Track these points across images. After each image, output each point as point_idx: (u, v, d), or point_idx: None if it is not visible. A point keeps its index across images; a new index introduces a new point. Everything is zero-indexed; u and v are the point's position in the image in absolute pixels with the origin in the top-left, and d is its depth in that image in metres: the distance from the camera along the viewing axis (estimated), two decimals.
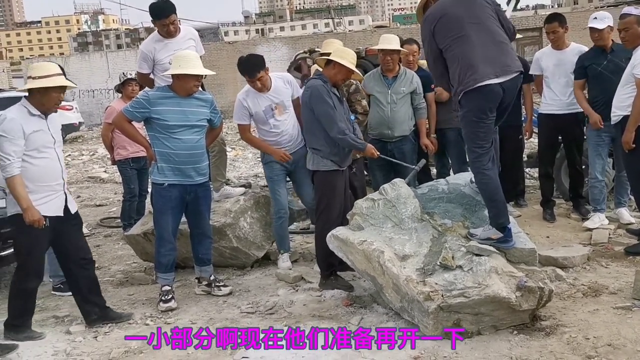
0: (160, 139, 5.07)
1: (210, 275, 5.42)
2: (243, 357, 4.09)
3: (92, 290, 4.94)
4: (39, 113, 4.62)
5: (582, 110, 6.69)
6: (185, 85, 5.05)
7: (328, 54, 5.65)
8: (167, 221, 5.15)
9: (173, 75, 5.09)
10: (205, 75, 5.28)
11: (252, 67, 5.59)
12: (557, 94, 6.64)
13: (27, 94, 4.68)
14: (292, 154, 5.74)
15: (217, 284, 5.39)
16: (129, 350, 4.38)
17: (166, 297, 5.11)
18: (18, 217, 4.57)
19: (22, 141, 4.48)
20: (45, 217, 4.58)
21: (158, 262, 5.22)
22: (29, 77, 4.67)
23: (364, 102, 6.29)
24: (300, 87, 9.55)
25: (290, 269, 5.73)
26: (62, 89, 4.70)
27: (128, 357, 4.29)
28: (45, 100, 4.62)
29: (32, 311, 4.79)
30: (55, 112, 4.76)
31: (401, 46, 6.40)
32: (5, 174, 4.50)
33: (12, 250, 6.03)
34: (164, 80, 5.59)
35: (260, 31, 78.54)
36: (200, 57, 5.44)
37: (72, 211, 4.82)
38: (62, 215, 4.72)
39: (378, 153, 5.38)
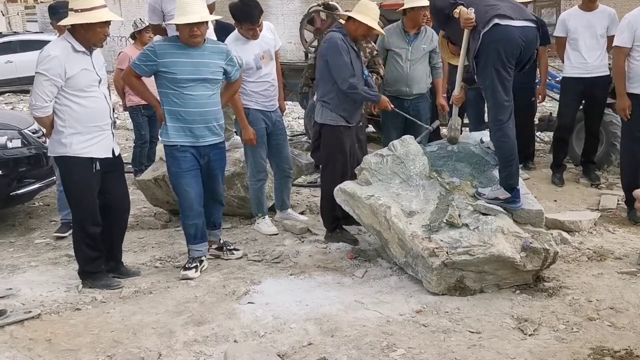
0: (170, 96, 4.57)
1: (220, 239, 5.14)
2: (249, 302, 4.17)
3: (118, 242, 4.74)
4: (83, 49, 4.30)
5: (608, 73, 6.53)
6: (182, 34, 4.52)
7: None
8: (188, 184, 4.68)
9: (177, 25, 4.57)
10: (215, 22, 4.88)
11: (255, 12, 5.20)
12: (585, 57, 6.52)
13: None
14: (273, 112, 5.62)
15: (229, 247, 5.11)
16: (139, 290, 4.46)
17: (190, 264, 4.71)
18: (64, 159, 4.38)
19: (61, 82, 4.22)
20: (95, 159, 4.40)
21: (186, 233, 4.80)
22: (70, 9, 4.27)
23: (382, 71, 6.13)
24: (314, 41, 9.54)
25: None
26: (108, 23, 4.33)
27: (138, 296, 4.37)
28: (90, 36, 4.28)
29: (101, 257, 4.57)
30: (102, 47, 4.41)
31: None
32: (38, 114, 4.28)
33: (28, 189, 6.07)
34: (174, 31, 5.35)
35: None
36: (213, 4, 5.21)
37: (116, 153, 4.61)
38: (112, 156, 4.52)
39: (392, 106, 5.31)
